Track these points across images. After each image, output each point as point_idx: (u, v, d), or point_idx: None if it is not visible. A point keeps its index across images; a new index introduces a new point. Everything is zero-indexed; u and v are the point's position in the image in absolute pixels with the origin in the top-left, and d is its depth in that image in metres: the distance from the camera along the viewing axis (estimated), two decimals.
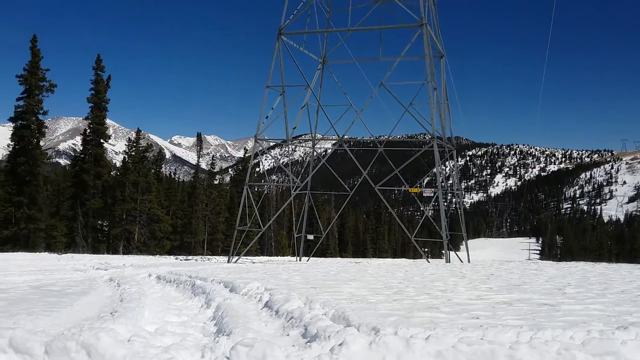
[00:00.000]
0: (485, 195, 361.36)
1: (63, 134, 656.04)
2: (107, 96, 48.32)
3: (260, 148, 36.47)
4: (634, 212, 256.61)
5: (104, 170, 49.04)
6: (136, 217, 49.23)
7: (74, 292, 10.86)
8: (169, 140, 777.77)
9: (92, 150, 47.69)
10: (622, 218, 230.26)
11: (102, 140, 48.75)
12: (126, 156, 51.69)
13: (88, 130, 48.52)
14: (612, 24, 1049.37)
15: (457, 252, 36.95)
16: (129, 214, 49.06)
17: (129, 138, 53.73)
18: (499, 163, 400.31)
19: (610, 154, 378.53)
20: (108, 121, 54.41)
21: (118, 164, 62.08)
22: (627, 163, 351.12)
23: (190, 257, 39.52)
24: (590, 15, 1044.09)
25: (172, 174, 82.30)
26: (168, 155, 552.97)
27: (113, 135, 57.76)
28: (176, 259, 35.50)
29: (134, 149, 51.32)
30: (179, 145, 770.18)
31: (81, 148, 49.63)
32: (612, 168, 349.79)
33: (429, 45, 31.91)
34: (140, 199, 49.24)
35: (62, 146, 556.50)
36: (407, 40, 31.83)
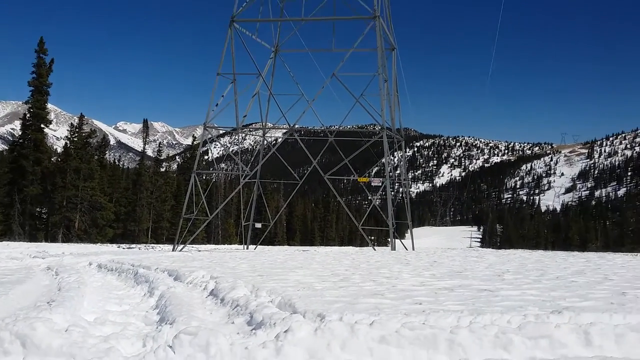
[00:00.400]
0: (430, 185, 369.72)
1: (1, 118, 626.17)
2: (49, 80, 46.35)
3: (210, 136, 35.94)
4: (569, 203, 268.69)
5: (44, 156, 47.13)
6: (77, 204, 47.64)
7: (9, 281, 10.42)
8: (113, 127, 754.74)
9: (31, 135, 45.73)
10: (558, 208, 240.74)
11: (42, 125, 46.79)
12: (68, 142, 49.83)
13: (28, 115, 46.47)
14: (557, 17, 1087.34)
15: (402, 240, 37.69)
16: (70, 201, 47.41)
17: (72, 123, 51.78)
18: (445, 154, 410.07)
19: (550, 147, 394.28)
20: (49, 106, 52.16)
21: (59, 150, 59.78)
22: (565, 155, 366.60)
23: (133, 246, 38.65)
24: (536, 8, 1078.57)
25: (116, 161, 79.93)
26: (113, 141, 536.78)
27: (55, 120, 55.66)
28: (119, 247, 34.67)
29: (76, 134, 49.52)
30: (124, 131, 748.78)
31: (20, 133, 47.53)
32: (551, 160, 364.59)
33: (381, 38, 32.21)
34: (82, 186, 47.65)
35: (0, 130, 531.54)
36: (360, 32, 32.09)
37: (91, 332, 5.90)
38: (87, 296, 8.71)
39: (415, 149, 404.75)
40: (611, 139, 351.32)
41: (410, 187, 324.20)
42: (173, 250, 31.05)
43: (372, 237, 62.14)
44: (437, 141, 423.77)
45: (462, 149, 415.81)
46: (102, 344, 5.39)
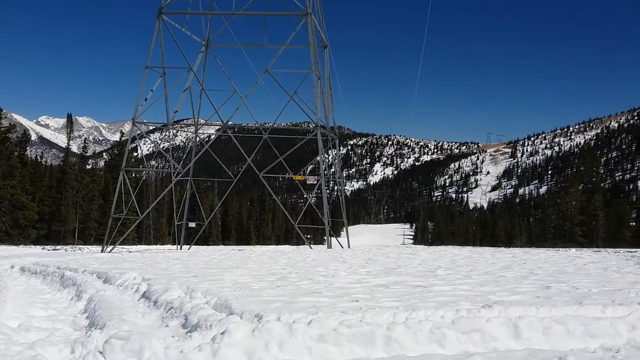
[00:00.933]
0: (364, 183, 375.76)
1: None
2: None
3: (139, 131, 34.87)
4: (495, 200, 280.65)
5: None
6: None
7: None
8: (35, 121, 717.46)
9: None
10: (485, 205, 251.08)
11: None
12: None
13: None
14: (481, 14, 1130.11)
15: (338, 238, 38.07)
16: None
17: None
18: (378, 152, 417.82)
19: (476, 146, 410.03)
20: None
21: None
22: (490, 155, 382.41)
23: (59, 247, 36.97)
24: (463, 7, 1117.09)
25: (38, 158, 76.04)
26: (34, 137, 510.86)
27: None
28: (43, 249, 33.07)
29: None
30: (46, 126, 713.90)
31: None
32: (477, 159, 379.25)
33: (314, 35, 32.37)
34: (2, 184, 45.05)
35: None
36: (293, 29, 32.07)
37: (15, 338, 5.60)
38: (9, 301, 8.26)
39: (349, 147, 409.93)
40: (532, 138, 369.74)
41: (345, 185, 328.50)
42: (102, 251, 29.97)
43: (309, 236, 62.35)
44: (370, 140, 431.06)
45: (394, 147, 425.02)
46: (27, 351, 5.11)
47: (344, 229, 39.81)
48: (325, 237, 32.87)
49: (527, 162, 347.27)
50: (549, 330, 5.52)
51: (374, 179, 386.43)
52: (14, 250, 27.94)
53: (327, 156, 39.84)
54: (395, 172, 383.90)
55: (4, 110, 50.94)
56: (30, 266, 14.71)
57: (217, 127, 37.13)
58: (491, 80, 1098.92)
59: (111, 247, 31.91)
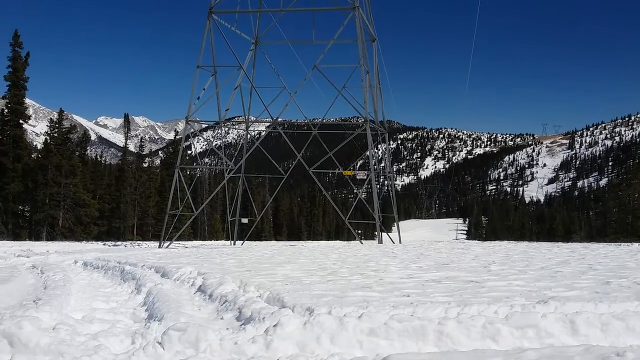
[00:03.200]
0: (415, 177, 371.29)
1: None
2: (25, 74, 45.60)
3: (192, 130, 35.67)
4: (553, 193, 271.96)
5: (24, 153, 46.43)
6: (60, 201, 47.08)
7: None
8: (94, 122, 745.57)
9: (10, 132, 45.00)
10: (542, 199, 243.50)
11: (21, 121, 46.06)
12: (48, 138, 49.13)
13: (5, 110, 45.69)
14: (535, 6, 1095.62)
15: (389, 233, 37.84)
16: (53, 199, 46.82)
17: (51, 119, 51.04)
18: (429, 146, 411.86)
19: (532, 138, 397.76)
20: (28, 101, 51.30)
21: (39, 146, 58.93)
22: (547, 146, 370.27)
23: (119, 243, 38.34)
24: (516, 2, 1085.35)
25: (98, 157, 79.01)
26: (93, 137, 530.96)
27: (33, 115, 54.81)
28: (104, 244, 34.36)
29: (56, 130, 48.82)
30: (105, 126, 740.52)
31: None
32: (533, 151, 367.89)
33: (361, 29, 32.18)
34: (64, 183, 47.08)
35: None
36: (340, 23, 31.97)
37: (79, 330, 5.87)
38: (73, 294, 8.64)
39: (399, 142, 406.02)
40: (591, 129, 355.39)
41: (395, 180, 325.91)
42: (159, 247, 30.85)
43: (359, 231, 62.26)
44: (420, 133, 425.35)
45: (445, 140, 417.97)
46: (90, 341, 5.36)
47: (395, 224, 39.53)
48: (376, 232, 32.72)
49: (586, 153, 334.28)
50: (608, 327, 5.35)
51: (425, 173, 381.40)
52: (76, 246, 29.15)
53: (376, 151, 39.57)
54: (447, 165, 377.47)
55: (65, 112, 53.21)
56: (92, 261, 15.32)
57: (268, 124, 37.56)
58: (546, 68, 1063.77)
59: (168, 242, 32.82)
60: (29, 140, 54.86)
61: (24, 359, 4.99)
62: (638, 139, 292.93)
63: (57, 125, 49.06)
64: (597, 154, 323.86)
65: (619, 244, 29.47)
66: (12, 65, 44.94)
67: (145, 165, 65.37)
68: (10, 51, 44.86)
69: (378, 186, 34.03)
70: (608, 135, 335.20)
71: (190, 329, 5.35)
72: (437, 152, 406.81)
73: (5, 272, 12.57)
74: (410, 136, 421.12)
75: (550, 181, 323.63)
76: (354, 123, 36.20)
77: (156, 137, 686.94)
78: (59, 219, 47.37)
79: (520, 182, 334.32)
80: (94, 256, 17.46)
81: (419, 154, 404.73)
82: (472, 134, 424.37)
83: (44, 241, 39.83)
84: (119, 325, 6.40)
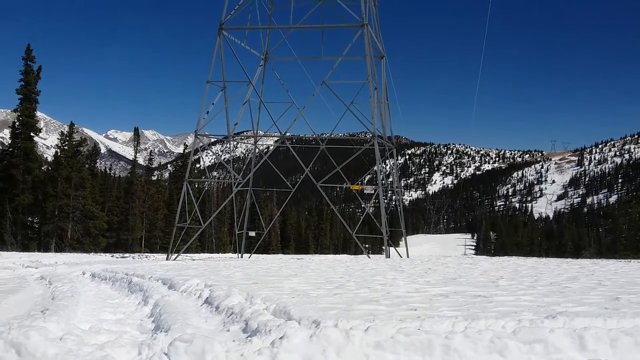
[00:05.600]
0: (423, 193, 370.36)
1: None
2: (37, 88, 46.13)
3: (201, 144, 35.89)
4: (562, 210, 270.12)
5: (35, 165, 46.82)
6: (69, 213, 47.35)
7: (2, 290, 10.34)
8: (104, 135, 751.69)
9: (21, 144, 45.44)
10: (551, 215, 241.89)
11: (32, 134, 46.52)
12: (58, 150, 49.54)
13: (17, 123, 46.20)
14: (545, 26, 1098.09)
15: (396, 248, 37.72)
16: (62, 211, 47.11)
17: (62, 132, 51.55)
18: (437, 162, 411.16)
19: (540, 154, 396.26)
20: (39, 114, 51.81)
21: (49, 159, 59.42)
22: (556, 163, 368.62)
23: (127, 255, 38.42)
24: (523, 17, 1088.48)
25: (107, 170, 79.53)
26: (103, 150, 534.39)
27: (44, 128, 55.42)
28: (112, 256, 34.45)
29: (66, 143, 49.26)
30: (114, 139, 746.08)
31: (10, 141, 47.19)
32: (542, 167, 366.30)
33: (370, 46, 32.39)
34: (74, 195, 47.38)
35: None
36: (349, 40, 32.20)
37: (86, 340, 5.88)
38: (81, 305, 8.67)
39: (407, 157, 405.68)
40: (600, 146, 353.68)
41: (403, 195, 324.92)
42: (167, 259, 30.90)
43: (367, 245, 62.08)
44: (428, 149, 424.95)
45: (453, 156, 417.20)
46: (97, 352, 5.37)
47: (403, 238, 39.39)
48: (384, 247, 32.61)
49: (595, 170, 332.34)
50: (616, 342, 5.30)
51: (432, 188, 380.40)
52: (85, 258, 29.25)
53: (384, 166, 39.62)
54: (455, 181, 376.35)
55: (75, 125, 53.72)
56: (100, 272, 15.36)
57: (276, 139, 37.70)
58: (553, 86, 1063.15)
59: (175, 255, 32.87)
60: (39, 153, 55.33)
61: None
62: None
63: (67, 138, 49.51)
64: (607, 171, 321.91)
65: (629, 260, 29.17)
66: (24, 79, 45.49)
67: (154, 178, 65.70)
68: (23, 65, 45.45)
69: (386, 201, 33.99)
70: (617, 153, 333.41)
71: (196, 341, 5.36)
72: (445, 167, 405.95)
73: (14, 282, 12.63)
74: (418, 152, 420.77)
75: (559, 198, 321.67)
76: (362, 138, 36.32)
77: (165, 150, 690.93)
78: (67, 231, 47.59)
79: (529, 199, 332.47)
80: (102, 268, 17.51)
81: (427, 169, 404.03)
82: (481, 150, 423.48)
83: (52, 252, 39.99)
84: (126, 336, 6.41)
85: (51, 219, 46.86)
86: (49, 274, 15.40)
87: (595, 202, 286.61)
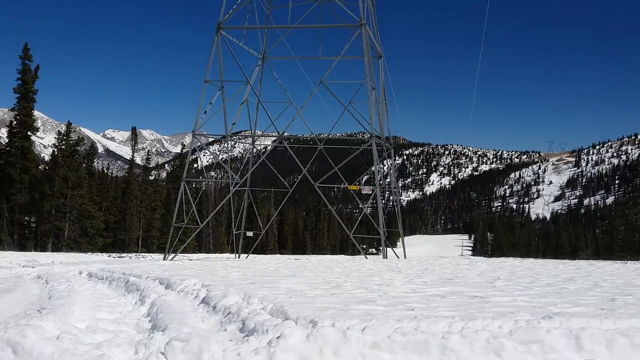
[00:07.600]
0: (421, 193, 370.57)
1: None
2: (35, 86, 46.07)
3: (199, 143, 35.89)
4: (559, 211, 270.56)
5: (32, 164, 46.74)
6: (66, 213, 47.26)
7: None
8: (101, 134, 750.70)
9: (18, 143, 45.34)
10: (548, 216, 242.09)
11: (29, 133, 46.44)
12: (56, 150, 49.46)
13: (14, 122, 46.10)
14: (542, 26, 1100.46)
15: (393, 249, 37.76)
16: (59, 210, 47.02)
17: (59, 131, 51.45)
18: (434, 162, 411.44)
19: (538, 155, 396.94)
20: (36, 113, 51.74)
21: (47, 158, 59.33)
22: (553, 164, 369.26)
23: (124, 255, 38.38)
24: (522, 17, 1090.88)
25: (105, 169, 79.38)
26: (101, 149, 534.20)
27: (42, 127, 55.28)
28: (109, 256, 34.40)
29: (64, 142, 49.16)
30: (112, 139, 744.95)
31: (7, 140, 47.10)
32: (539, 168, 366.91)
33: (368, 46, 32.41)
34: (71, 195, 47.29)
35: None
36: (347, 40, 32.23)
37: (82, 339, 5.87)
38: (77, 304, 8.65)
39: (405, 157, 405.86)
40: (597, 147, 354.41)
41: (401, 195, 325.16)
42: (164, 259, 30.87)
43: (364, 246, 62.13)
44: (426, 149, 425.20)
45: (450, 157, 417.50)
46: (93, 351, 5.36)
47: (400, 239, 39.42)
48: (381, 247, 32.64)
49: (592, 171, 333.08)
50: (613, 343, 5.31)
51: (430, 189, 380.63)
52: (82, 257, 29.20)
53: (382, 166, 39.64)
54: (453, 182, 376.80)
55: (73, 124, 53.62)
56: (97, 272, 15.34)
57: (274, 139, 37.70)
58: (551, 87, 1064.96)
59: (172, 255, 32.85)
60: (36, 152, 55.25)
61: None
62: None
63: (64, 138, 49.41)
64: (604, 172, 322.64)
65: (626, 261, 29.25)
66: (21, 78, 45.40)
67: (152, 178, 65.64)
68: (20, 64, 45.37)
69: (383, 201, 34.01)
70: (615, 154, 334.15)
71: (193, 340, 5.35)
72: (442, 168, 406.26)
73: (11, 281, 12.62)
74: (416, 152, 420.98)
75: (557, 199, 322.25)
76: (360, 138, 36.34)
77: (163, 150, 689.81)
78: (64, 230, 47.50)
79: (526, 199, 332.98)
80: (98, 267, 17.49)
81: (424, 169, 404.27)
82: (478, 151, 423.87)
83: (49, 252, 39.93)
84: (123, 336, 6.40)
85: (48, 218, 46.78)
86: (45, 273, 15.37)
87: (593, 203, 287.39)
